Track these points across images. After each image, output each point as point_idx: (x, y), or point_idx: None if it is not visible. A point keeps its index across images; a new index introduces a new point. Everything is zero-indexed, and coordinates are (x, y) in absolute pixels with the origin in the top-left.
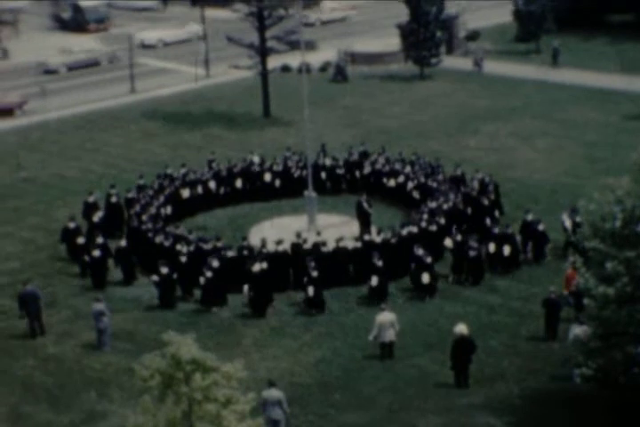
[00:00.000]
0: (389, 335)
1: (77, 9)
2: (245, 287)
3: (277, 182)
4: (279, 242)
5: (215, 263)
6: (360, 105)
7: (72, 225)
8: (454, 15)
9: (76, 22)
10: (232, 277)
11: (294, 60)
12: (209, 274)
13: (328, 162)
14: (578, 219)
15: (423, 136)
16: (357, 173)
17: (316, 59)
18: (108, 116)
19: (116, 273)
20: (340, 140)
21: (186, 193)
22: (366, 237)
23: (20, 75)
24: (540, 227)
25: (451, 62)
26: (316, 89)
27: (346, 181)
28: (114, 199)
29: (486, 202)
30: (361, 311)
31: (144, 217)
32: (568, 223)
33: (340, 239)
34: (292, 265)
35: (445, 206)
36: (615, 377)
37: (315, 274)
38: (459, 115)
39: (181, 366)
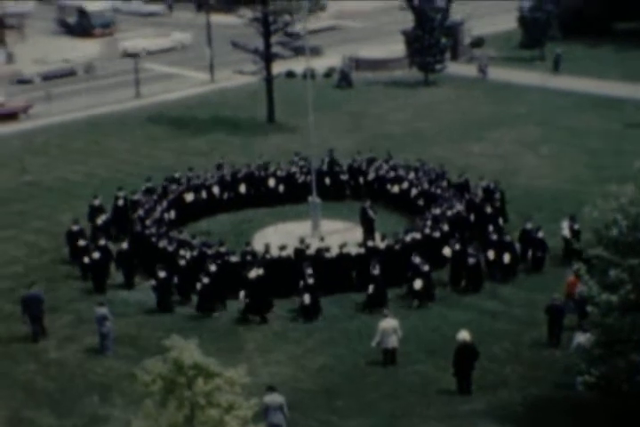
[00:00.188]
0: (392, 342)
1: (83, 14)
2: (242, 294)
3: (281, 188)
4: (283, 247)
5: (213, 268)
6: (364, 111)
7: (75, 228)
8: (459, 22)
9: (82, 27)
10: (230, 282)
11: (299, 65)
12: (205, 280)
13: (337, 168)
14: (576, 227)
15: (427, 142)
16: (361, 180)
17: (320, 64)
18: (112, 120)
19: (117, 276)
20: (344, 146)
21: (190, 198)
22: (370, 244)
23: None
24: (540, 234)
25: (455, 69)
26: (320, 95)
27: (350, 187)
28: (120, 202)
29: (489, 210)
30: (364, 318)
31: (148, 222)
32: (567, 231)
33: (343, 245)
34: (294, 271)
35: (449, 213)
36: (618, 385)
37: (311, 281)
38: (463, 121)
39: (184, 370)
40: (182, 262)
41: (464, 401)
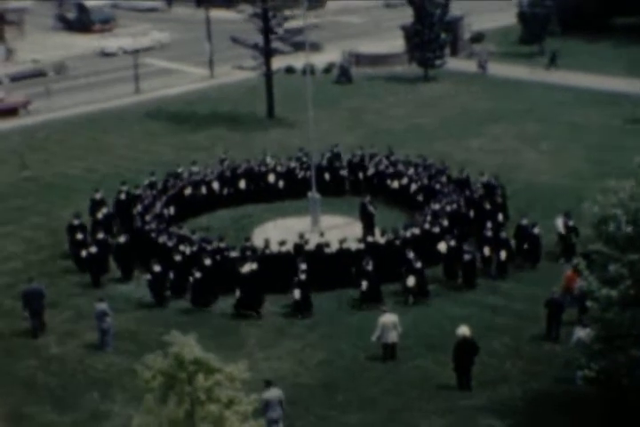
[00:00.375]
0: (392, 337)
1: (82, 9)
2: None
3: (281, 183)
4: (282, 243)
5: (207, 263)
6: (364, 106)
7: (76, 222)
8: (459, 17)
9: (81, 23)
10: (224, 277)
11: (298, 61)
12: (198, 275)
13: (337, 164)
14: (571, 223)
15: (427, 138)
16: (361, 175)
17: (320, 60)
18: (112, 116)
19: (117, 271)
20: (344, 142)
21: (189, 193)
22: (369, 239)
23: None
24: (535, 230)
25: (455, 64)
26: (320, 90)
27: (349, 183)
28: (122, 196)
29: (488, 206)
30: (363, 313)
31: (147, 217)
32: (561, 228)
33: (343, 240)
34: (290, 266)
35: (449, 208)
36: (618, 379)
37: (303, 277)
38: (462, 116)
39: (184, 366)
40: (177, 258)
41: (464, 396)
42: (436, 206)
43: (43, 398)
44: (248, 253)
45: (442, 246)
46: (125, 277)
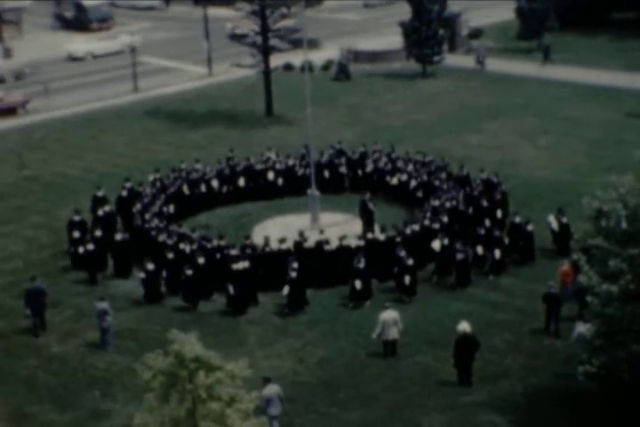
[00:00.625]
0: (393, 333)
1: (80, 8)
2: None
3: (280, 181)
4: (282, 240)
5: (201, 260)
6: (362, 103)
7: (77, 218)
8: (457, 13)
9: (79, 21)
10: (217, 275)
11: (297, 58)
12: (189, 272)
13: (337, 161)
14: (564, 220)
15: (426, 134)
16: (360, 172)
17: (318, 57)
18: (110, 114)
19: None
20: (343, 139)
21: (189, 192)
22: (369, 236)
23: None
24: (529, 227)
25: (453, 60)
26: (318, 87)
27: (349, 180)
28: (124, 193)
29: (485, 203)
30: (364, 309)
31: (147, 215)
32: (555, 224)
33: (343, 237)
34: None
35: (448, 205)
36: (619, 375)
37: (294, 275)
38: (461, 112)
39: (185, 363)
40: (170, 255)
41: (465, 392)
42: (436, 203)
43: (43, 397)
44: (248, 250)
45: (435, 245)
46: (119, 275)
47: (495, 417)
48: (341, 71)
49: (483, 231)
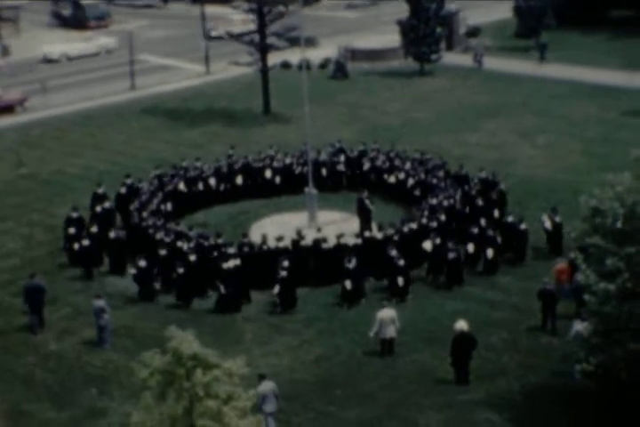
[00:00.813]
0: (390, 332)
1: (78, 6)
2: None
3: (278, 179)
4: (280, 238)
5: (192, 258)
6: (360, 101)
7: (74, 215)
8: (454, 11)
9: (77, 19)
10: (209, 273)
11: (294, 56)
12: (181, 270)
13: (335, 159)
14: (558, 219)
15: (423, 132)
16: (358, 170)
17: (316, 55)
18: (108, 112)
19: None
20: (341, 137)
21: (186, 189)
22: (367, 234)
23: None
24: (522, 226)
25: (451, 58)
26: (316, 85)
27: (347, 178)
28: (123, 190)
29: (481, 202)
30: (360, 307)
31: (144, 213)
32: (548, 224)
33: (340, 236)
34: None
35: (446, 203)
36: (616, 373)
37: (284, 274)
38: (459, 111)
39: (182, 361)
40: (163, 253)
41: (462, 390)
42: (434, 201)
43: (41, 395)
44: (245, 248)
45: (427, 245)
46: (113, 272)
47: (492, 415)
48: (339, 69)
49: (476, 230)
